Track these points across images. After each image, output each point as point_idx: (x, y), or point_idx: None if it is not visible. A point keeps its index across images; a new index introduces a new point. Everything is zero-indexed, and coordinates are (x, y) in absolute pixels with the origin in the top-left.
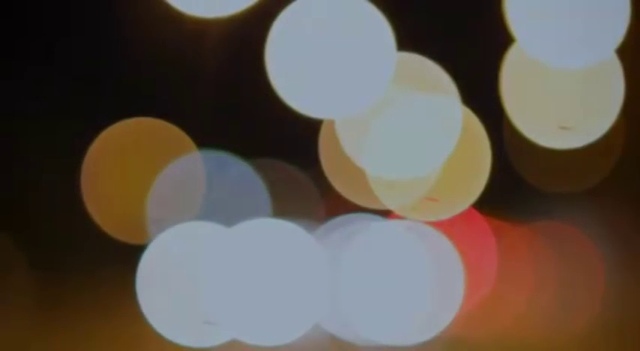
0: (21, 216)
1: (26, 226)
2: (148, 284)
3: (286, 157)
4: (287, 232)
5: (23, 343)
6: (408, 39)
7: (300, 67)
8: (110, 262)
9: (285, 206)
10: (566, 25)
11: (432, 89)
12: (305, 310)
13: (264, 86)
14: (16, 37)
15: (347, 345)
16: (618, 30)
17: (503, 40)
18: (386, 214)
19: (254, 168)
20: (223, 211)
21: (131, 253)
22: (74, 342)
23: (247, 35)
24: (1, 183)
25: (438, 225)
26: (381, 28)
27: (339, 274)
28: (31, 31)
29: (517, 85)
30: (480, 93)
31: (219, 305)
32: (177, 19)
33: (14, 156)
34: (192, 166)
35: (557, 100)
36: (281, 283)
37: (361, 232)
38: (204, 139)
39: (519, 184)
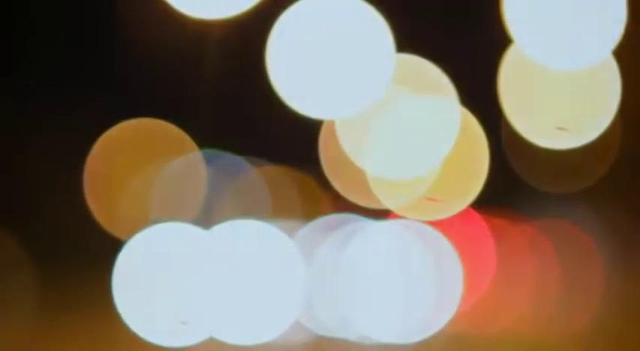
0: (22, 216)
1: (27, 226)
2: (124, 284)
3: (286, 157)
4: (264, 232)
5: (17, 340)
6: (407, 40)
7: (300, 67)
8: (110, 262)
9: (284, 206)
10: (564, 26)
11: (430, 90)
12: (282, 308)
13: (265, 86)
14: (17, 37)
15: (325, 343)
16: (615, 31)
17: (501, 41)
18: (385, 213)
19: (254, 168)
20: (221, 210)
21: None
22: (58, 340)
23: (248, 36)
24: (1, 183)
25: (437, 224)
26: (380, 30)
27: (337, 273)
28: (31, 31)
29: (515, 85)
30: (479, 94)
31: (197, 304)
32: (178, 19)
33: (14, 156)
34: (192, 166)
35: (554, 100)
36: (258, 282)
37: (360, 231)
38: (204, 139)
39: (517, 184)
